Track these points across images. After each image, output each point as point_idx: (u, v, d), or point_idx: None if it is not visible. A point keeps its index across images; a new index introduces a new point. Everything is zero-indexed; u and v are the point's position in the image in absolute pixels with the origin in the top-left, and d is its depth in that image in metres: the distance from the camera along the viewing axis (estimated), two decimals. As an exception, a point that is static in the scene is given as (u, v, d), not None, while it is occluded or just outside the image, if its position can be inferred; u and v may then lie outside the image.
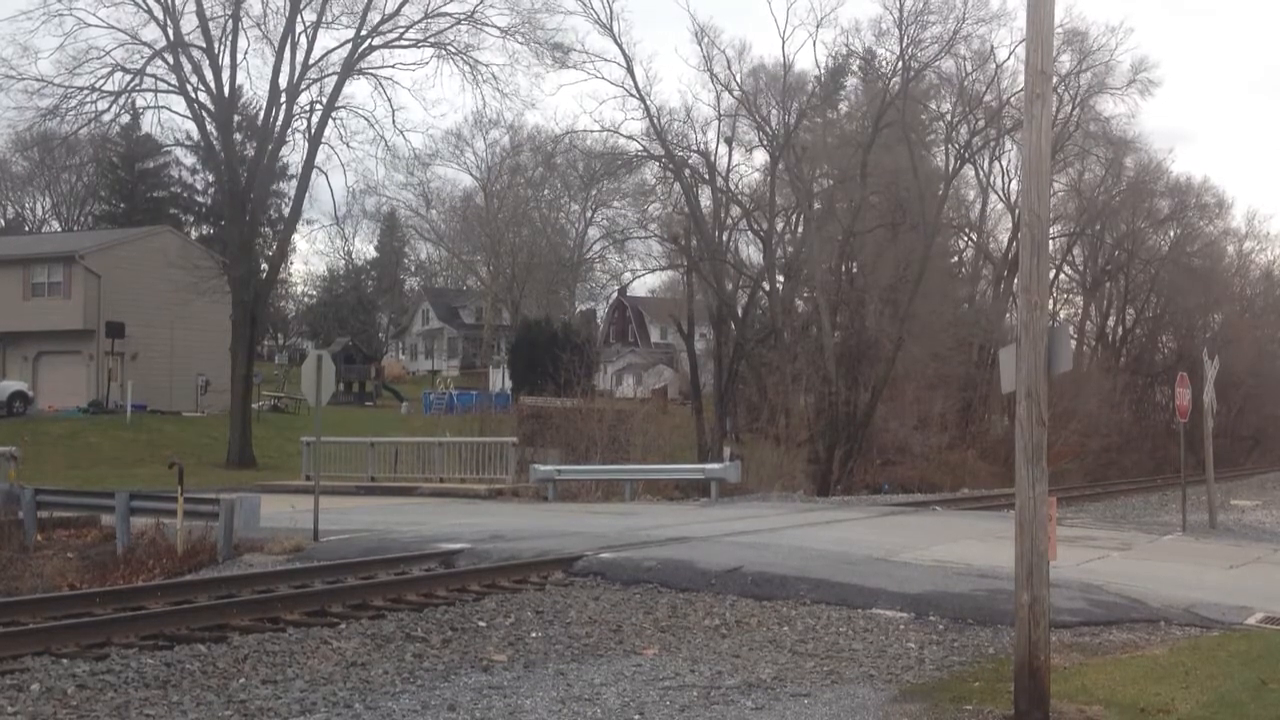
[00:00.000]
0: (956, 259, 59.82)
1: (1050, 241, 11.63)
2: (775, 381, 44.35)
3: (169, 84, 39.59)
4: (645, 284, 78.57)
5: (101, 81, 38.24)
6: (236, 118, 46.20)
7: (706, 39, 44.93)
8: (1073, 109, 53.45)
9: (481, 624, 11.37)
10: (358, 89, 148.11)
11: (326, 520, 18.06)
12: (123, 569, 16.84)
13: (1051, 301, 42.62)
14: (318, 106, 40.26)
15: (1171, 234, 67.24)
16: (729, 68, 45.64)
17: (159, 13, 38.26)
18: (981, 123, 49.33)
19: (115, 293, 47.60)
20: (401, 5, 39.61)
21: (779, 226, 49.08)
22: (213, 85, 39.51)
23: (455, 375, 77.02)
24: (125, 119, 53.81)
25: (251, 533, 17.26)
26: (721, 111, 46.38)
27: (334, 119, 40.11)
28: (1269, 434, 77.11)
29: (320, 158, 41.07)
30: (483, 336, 78.56)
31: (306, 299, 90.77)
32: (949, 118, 50.62)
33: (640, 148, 45.22)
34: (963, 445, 48.69)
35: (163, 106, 45.05)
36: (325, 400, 18.79)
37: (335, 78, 39.84)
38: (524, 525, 19.29)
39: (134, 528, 18.51)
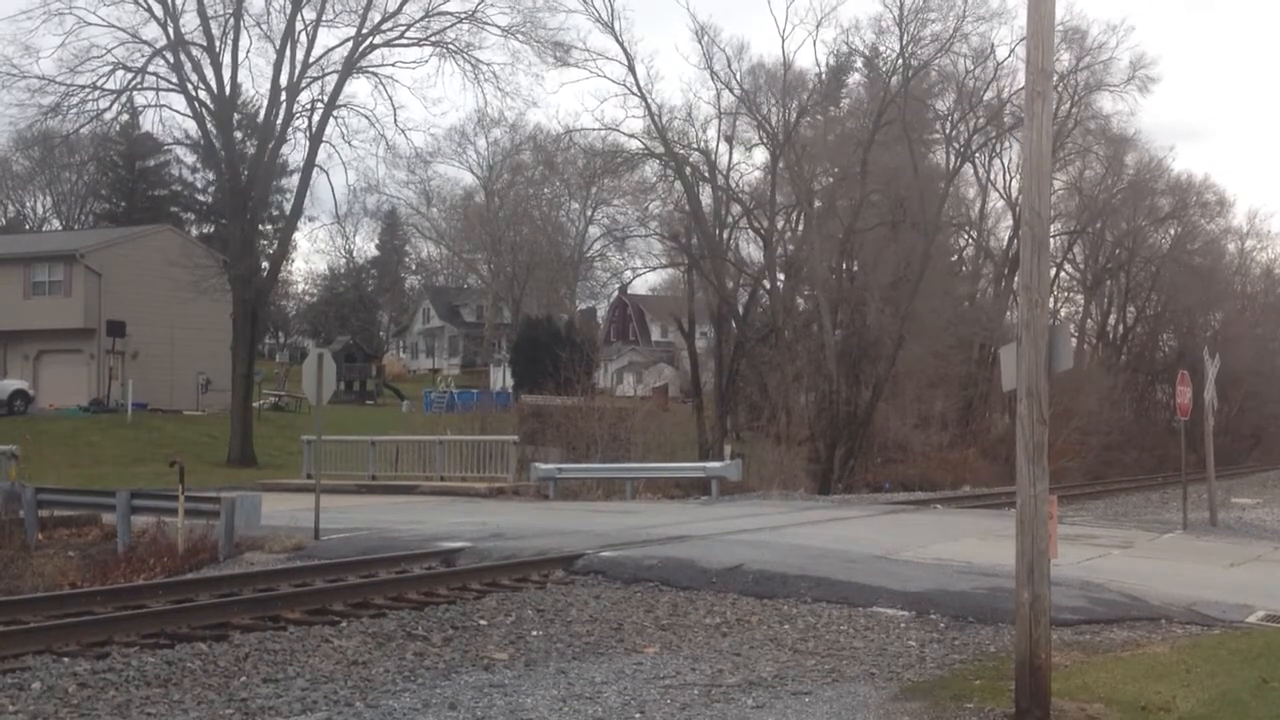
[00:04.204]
0: (957, 257, 59.77)
1: (1051, 239, 11.61)
2: (776, 380, 44.31)
3: (170, 82, 39.59)
4: (646, 282, 78.61)
5: (102, 80, 38.23)
6: (237, 116, 46.16)
7: (707, 37, 44.93)
8: (1071, 106, 53.41)
9: (482, 622, 11.37)
10: (359, 87, 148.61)
11: (327, 519, 18.06)
12: (124, 568, 16.85)
13: (1052, 300, 42.71)
14: (319, 105, 40.24)
15: (1172, 232, 67.16)
16: (729, 66, 45.65)
17: (159, 11, 38.28)
18: (982, 121, 49.30)
19: (116, 291, 47.58)
20: (402, 4, 39.58)
21: (779, 225, 49.04)
22: (213, 83, 39.49)
23: (456, 374, 77.01)
24: (126, 117, 53.85)
25: (252, 531, 17.26)
26: (722, 109, 46.39)
27: (335, 117, 40.09)
28: (1270, 432, 77.06)
29: (321, 156, 41.05)
30: (483, 335, 78.57)
31: (307, 297, 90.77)
32: (950, 115, 50.63)
33: (641, 145, 45.23)
34: (963, 443, 48.66)
35: (163, 105, 44.93)
36: (326, 399, 18.80)
37: (336, 76, 39.83)
38: (525, 524, 19.29)
39: (135, 526, 18.51)
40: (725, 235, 48.02)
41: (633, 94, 42.86)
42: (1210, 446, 25.08)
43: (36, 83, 37.71)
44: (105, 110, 39.95)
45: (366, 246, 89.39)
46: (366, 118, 41.71)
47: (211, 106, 39.80)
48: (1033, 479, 7.77)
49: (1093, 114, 55.23)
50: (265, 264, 45.71)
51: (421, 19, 39.81)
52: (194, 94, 39.43)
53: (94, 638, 10.20)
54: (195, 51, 39.24)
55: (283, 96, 39.82)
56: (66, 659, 9.45)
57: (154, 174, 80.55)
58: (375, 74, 40.50)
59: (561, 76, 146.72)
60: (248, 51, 42.92)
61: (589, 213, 70.91)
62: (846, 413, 42.56)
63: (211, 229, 74.52)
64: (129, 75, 38.74)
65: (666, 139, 44.26)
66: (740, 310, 47.40)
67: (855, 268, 48.06)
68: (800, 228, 48.98)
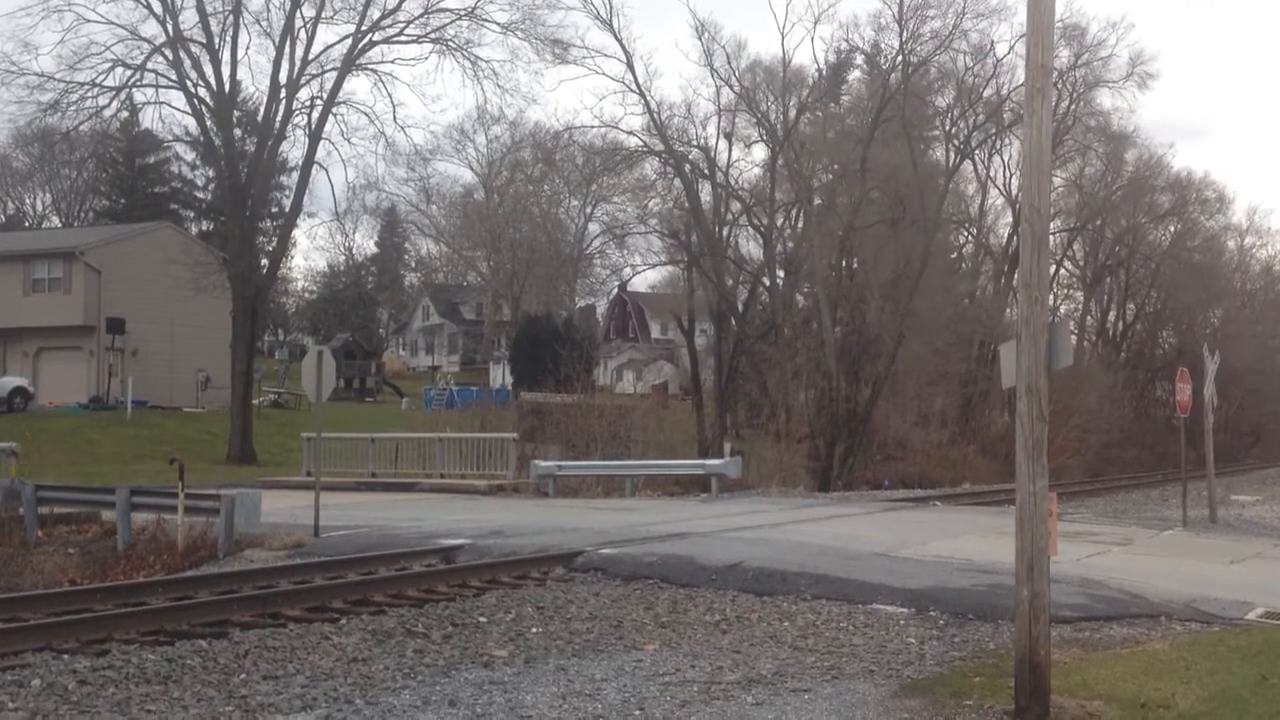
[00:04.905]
0: (957, 254, 59.72)
1: (1051, 236, 11.61)
2: (776, 377, 44.31)
3: (169, 79, 39.58)
4: (645, 279, 78.51)
5: (102, 77, 38.20)
6: (236, 113, 46.11)
7: (706, 34, 44.81)
8: (1071, 103, 53.38)
9: (482, 619, 11.38)
10: (358, 85, 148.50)
11: (327, 516, 18.07)
12: (123, 565, 16.86)
13: (1052, 297, 42.65)
14: (318, 102, 40.25)
15: (1172, 229, 67.07)
16: (729, 63, 45.53)
17: (158, 8, 38.27)
18: (981, 117, 49.29)
19: (116, 289, 47.59)
20: (401, 1, 39.60)
21: (779, 222, 48.99)
22: (212, 81, 39.49)
23: (455, 371, 77.02)
24: (125, 114, 53.85)
25: (252, 528, 17.28)
26: (721, 106, 46.30)
27: (334, 114, 40.09)
28: (1269, 429, 77.04)
29: (321, 153, 41.06)
30: (483, 332, 78.55)
31: (307, 295, 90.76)
32: (949, 112, 50.61)
33: (640, 143, 45.17)
34: (963, 441, 48.68)
35: (163, 102, 44.87)
36: (326, 396, 18.81)
37: (335, 73, 39.81)
38: (524, 521, 19.30)
39: (135, 523, 18.52)
40: (725, 232, 47.96)
41: (632, 91, 42.85)
42: (1210, 444, 25.08)
43: (36, 79, 37.75)
44: (104, 107, 39.97)
45: (366, 244, 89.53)
46: (366, 115, 41.79)
47: (211, 104, 39.79)
48: (1032, 476, 7.77)
49: (1092, 111, 55.22)
50: (265, 261, 45.70)
51: (421, 15, 39.85)
52: (193, 91, 39.46)
53: (94, 635, 10.21)
54: (194, 48, 39.25)
55: (282, 93, 39.82)
56: (66, 656, 9.45)
57: (154, 171, 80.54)
58: (375, 71, 40.55)
59: (560, 74, 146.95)
60: (247, 48, 43.06)
61: (588, 210, 70.95)
62: (846, 410, 42.54)
63: (211, 226, 74.53)
64: (128, 72, 38.76)
65: (666, 136, 44.22)
66: (740, 307, 47.36)
67: (855, 265, 48.03)
68: (800, 225, 48.96)
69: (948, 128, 51.33)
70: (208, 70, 39.45)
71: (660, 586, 13.43)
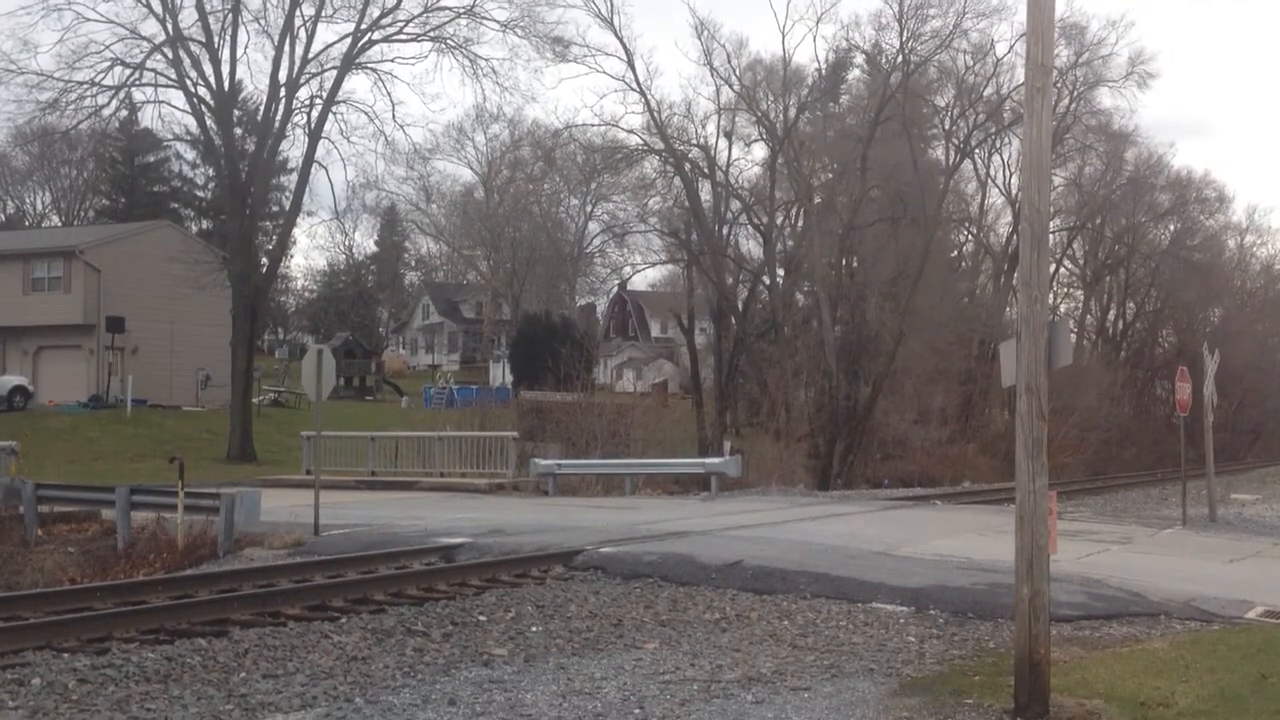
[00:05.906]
0: (957, 253, 59.77)
1: (1050, 235, 11.60)
2: (775, 376, 44.34)
3: (168, 78, 39.57)
4: (645, 278, 78.56)
5: (101, 76, 38.19)
6: (236, 112, 46.13)
7: (706, 33, 44.92)
8: (1071, 102, 53.39)
9: (482, 618, 11.38)
10: (358, 83, 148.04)
11: (327, 514, 18.07)
12: (123, 563, 16.85)
13: (1052, 296, 42.61)
14: (318, 101, 40.26)
15: (1172, 228, 67.09)
16: (729, 61, 45.61)
17: (158, 7, 38.27)
18: (981, 117, 49.28)
19: (115, 287, 47.56)
20: (401, -1, 39.56)
21: (779, 220, 49.04)
22: (212, 80, 39.48)
23: (455, 370, 77.02)
24: (124, 113, 53.86)
25: (252, 527, 17.26)
26: (721, 105, 46.36)
27: (334, 113, 40.09)
28: (1269, 428, 77.03)
29: (320, 152, 41.04)
30: (483, 331, 78.58)
31: (307, 293, 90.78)
32: (950, 111, 50.62)
33: (640, 141, 45.25)
34: (963, 439, 48.70)
35: (162, 101, 44.81)
36: (326, 395, 18.81)
37: (335, 72, 39.82)
38: (524, 520, 19.29)
39: (135, 522, 18.51)
40: (725, 231, 48.01)
41: (632, 90, 42.90)
42: (1210, 442, 25.09)
43: (35, 78, 37.75)
44: (104, 106, 39.98)
45: (366, 242, 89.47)
46: (365, 113, 41.76)
47: (211, 103, 39.78)
48: (1032, 474, 7.77)
49: (1092, 110, 55.23)
50: (264, 260, 45.67)
51: (421, 14, 39.86)
52: (193, 90, 39.47)
53: (94, 633, 10.20)
54: (194, 47, 39.24)
55: (282, 92, 39.82)
56: (66, 655, 9.45)
57: (153, 170, 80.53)
58: (374, 70, 40.54)
59: (560, 72, 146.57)
60: (246, 47, 43.09)
61: (588, 209, 71.01)
62: (846, 408, 42.56)
63: (211, 225, 74.50)
64: (127, 71, 38.73)
65: (666, 135, 44.25)
66: (740, 306, 47.38)
67: (855, 264, 48.05)
68: (800, 224, 49.00)
69: (948, 127, 51.36)
70: (207, 69, 39.49)
71: (660, 585, 13.43)
